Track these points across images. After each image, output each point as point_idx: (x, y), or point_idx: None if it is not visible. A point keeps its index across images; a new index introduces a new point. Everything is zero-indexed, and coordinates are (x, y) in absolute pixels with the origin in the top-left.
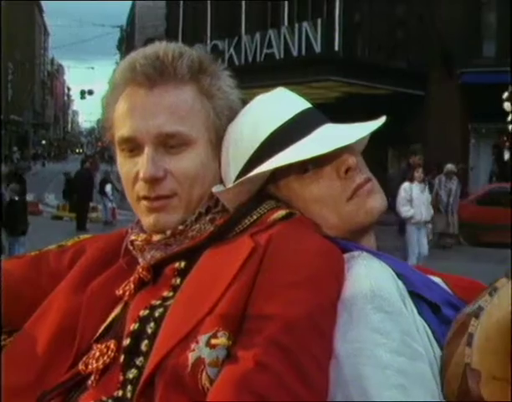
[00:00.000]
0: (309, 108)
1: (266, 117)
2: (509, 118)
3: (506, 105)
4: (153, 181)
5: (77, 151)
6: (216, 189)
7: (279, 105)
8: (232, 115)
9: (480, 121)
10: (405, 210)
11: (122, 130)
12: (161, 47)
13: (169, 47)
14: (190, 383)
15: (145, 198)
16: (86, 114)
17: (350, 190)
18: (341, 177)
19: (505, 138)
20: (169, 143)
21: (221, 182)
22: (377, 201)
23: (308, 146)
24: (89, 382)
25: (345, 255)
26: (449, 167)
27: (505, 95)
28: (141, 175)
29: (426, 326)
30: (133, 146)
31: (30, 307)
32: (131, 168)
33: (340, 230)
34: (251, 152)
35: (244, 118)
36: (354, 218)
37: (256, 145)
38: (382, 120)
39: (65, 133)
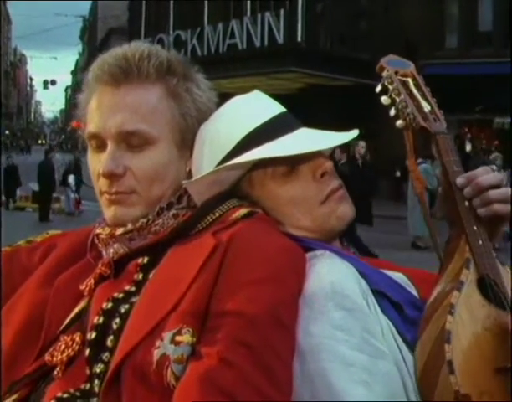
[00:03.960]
0: (285, 111)
1: (245, 115)
2: (392, 112)
3: (383, 99)
4: (111, 176)
5: (39, 142)
6: (195, 168)
7: (257, 105)
8: (200, 116)
9: (443, 113)
10: None
11: (89, 126)
12: (131, 47)
13: (139, 47)
14: (155, 380)
15: (106, 192)
16: (49, 104)
17: (324, 193)
18: (317, 180)
19: (467, 129)
20: (131, 141)
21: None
22: (348, 208)
23: (291, 144)
24: (55, 373)
25: (309, 254)
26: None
27: (378, 88)
28: (101, 170)
29: (390, 324)
30: (99, 143)
31: (3, 305)
32: (96, 164)
33: (310, 232)
34: (228, 148)
35: (221, 117)
36: (325, 222)
37: (234, 142)
38: (356, 133)
39: (28, 123)
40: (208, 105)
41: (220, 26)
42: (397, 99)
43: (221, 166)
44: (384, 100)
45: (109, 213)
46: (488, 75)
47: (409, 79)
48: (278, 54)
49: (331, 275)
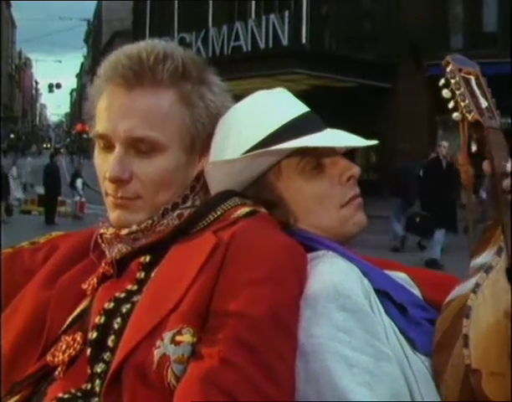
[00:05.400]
0: (311, 111)
1: (276, 108)
2: (451, 105)
3: (444, 92)
4: (118, 182)
5: (44, 146)
6: (215, 159)
7: (286, 100)
8: (211, 121)
9: (448, 114)
10: None
11: (98, 126)
12: (147, 46)
13: (156, 47)
14: (156, 380)
15: (111, 195)
16: (54, 107)
17: (346, 197)
18: (342, 183)
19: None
20: (139, 147)
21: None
22: (364, 217)
23: (336, 138)
24: (56, 373)
25: (311, 254)
26: None
27: (442, 81)
28: (107, 174)
29: (393, 324)
30: (107, 143)
31: (6, 306)
32: (103, 164)
33: (325, 232)
34: (257, 139)
35: (247, 109)
36: (342, 225)
37: (264, 133)
38: (375, 142)
39: (33, 126)
40: (220, 108)
41: (224, 28)
42: (457, 92)
43: (263, 149)
44: (445, 93)
45: (113, 215)
46: (493, 76)
47: (472, 77)
48: (282, 56)
49: (334, 276)
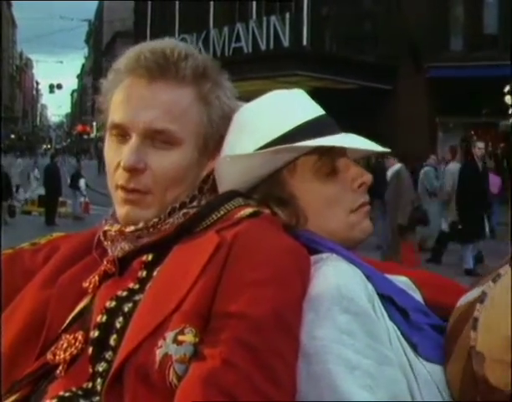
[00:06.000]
0: (327, 114)
1: (298, 106)
2: (510, 111)
3: (507, 99)
4: (132, 171)
5: (44, 147)
6: (232, 152)
7: (304, 100)
8: (225, 123)
9: (448, 116)
10: None
11: (115, 115)
12: (169, 44)
13: (178, 46)
14: (158, 380)
15: (122, 187)
16: (55, 108)
17: (356, 203)
18: (354, 188)
19: (473, 132)
20: (157, 138)
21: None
22: (370, 224)
23: (355, 141)
24: (58, 372)
25: (314, 257)
26: None
27: (507, 88)
28: (122, 163)
29: (396, 328)
30: (122, 134)
31: (5, 307)
32: (116, 156)
33: (332, 236)
34: (272, 136)
35: (265, 106)
36: (349, 230)
37: (280, 131)
38: (388, 150)
39: (34, 127)
40: (234, 111)
41: (225, 29)
42: None
43: (287, 145)
44: (507, 99)
45: (122, 211)
46: (494, 78)
47: None
48: (283, 58)
49: (338, 279)
